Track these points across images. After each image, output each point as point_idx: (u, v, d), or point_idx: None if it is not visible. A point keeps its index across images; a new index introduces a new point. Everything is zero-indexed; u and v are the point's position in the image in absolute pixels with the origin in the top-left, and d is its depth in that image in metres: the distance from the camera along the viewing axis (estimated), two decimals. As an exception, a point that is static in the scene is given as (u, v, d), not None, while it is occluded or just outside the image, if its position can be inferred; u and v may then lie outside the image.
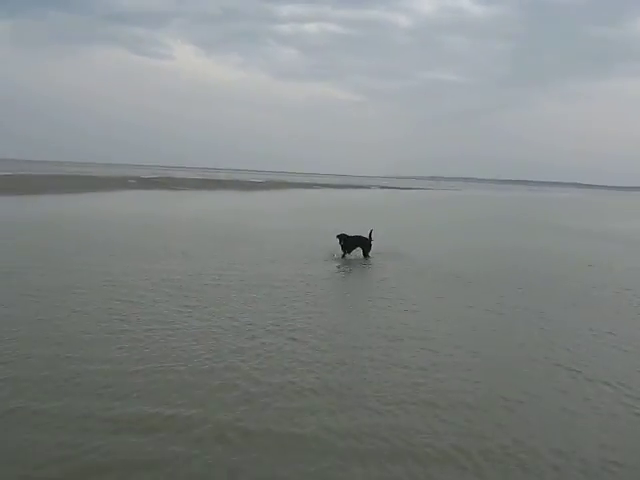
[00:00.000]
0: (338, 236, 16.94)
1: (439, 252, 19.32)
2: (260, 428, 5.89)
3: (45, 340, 8.20)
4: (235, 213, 33.21)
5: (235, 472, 5.18)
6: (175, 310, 9.94)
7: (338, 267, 15.60)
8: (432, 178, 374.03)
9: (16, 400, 6.25)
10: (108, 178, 67.88)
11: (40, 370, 7.11)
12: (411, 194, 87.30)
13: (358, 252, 17.11)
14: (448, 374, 7.62)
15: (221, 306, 10.37)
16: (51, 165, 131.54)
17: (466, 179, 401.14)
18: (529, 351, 8.86)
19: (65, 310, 9.76)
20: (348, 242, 16.95)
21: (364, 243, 17.12)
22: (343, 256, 16.86)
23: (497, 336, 9.76)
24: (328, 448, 5.60)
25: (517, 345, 9.15)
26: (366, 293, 13.02)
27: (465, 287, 13.55)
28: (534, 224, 34.51)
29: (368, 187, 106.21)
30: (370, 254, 17.08)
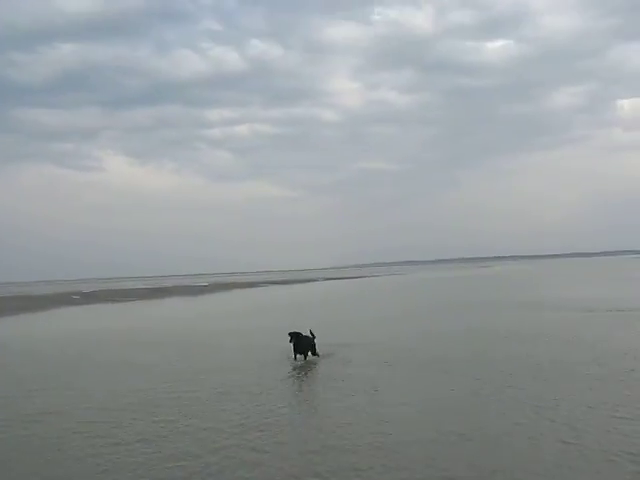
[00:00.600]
0: (290, 334, 15.17)
1: (402, 338, 19.62)
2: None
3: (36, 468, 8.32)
4: (185, 319, 33.30)
5: None
6: (155, 426, 10.11)
7: (300, 367, 14.92)
8: (376, 264, 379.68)
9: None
10: (49, 296, 66.25)
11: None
12: (358, 283, 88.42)
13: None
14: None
15: (194, 418, 10.50)
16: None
17: (409, 262, 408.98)
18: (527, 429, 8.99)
19: (48, 436, 9.81)
20: (302, 341, 15.14)
21: (311, 343, 15.47)
22: (295, 358, 15.07)
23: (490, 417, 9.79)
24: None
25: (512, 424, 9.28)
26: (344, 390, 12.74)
27: (440, 373, 13.61)
28: (492, 302, 34.13)
29: (315, 280, 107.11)
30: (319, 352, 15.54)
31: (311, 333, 15.60)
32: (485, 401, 10.82)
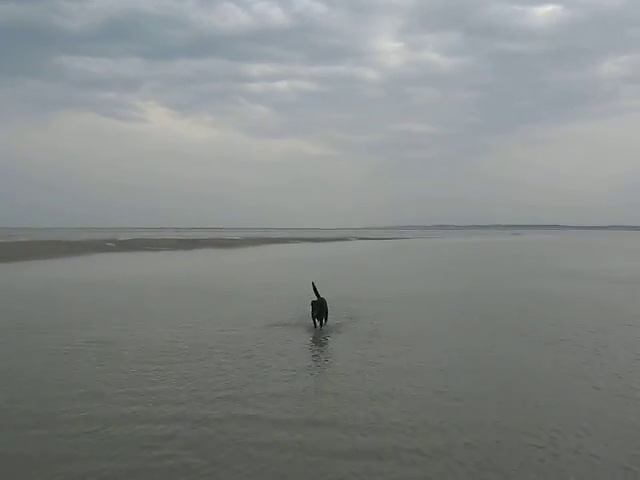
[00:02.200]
0: (313, 303, 13.55)
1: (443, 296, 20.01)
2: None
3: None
4: (214, 270, 33.50)
5: None
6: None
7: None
8: (409, 227, 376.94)
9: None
10: (85, 242, 67.36)
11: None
12: (392, 244, 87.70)
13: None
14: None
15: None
16: (25, 231, 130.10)
17: (442, 226, 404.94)
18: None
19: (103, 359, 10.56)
20: (323, 309, 13.64)
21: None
22: (315, 327, 13.53)
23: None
24: None
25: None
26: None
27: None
28: (529, 269, 34.14)
29: (347, 239, 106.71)
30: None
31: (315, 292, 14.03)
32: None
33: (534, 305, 18.23)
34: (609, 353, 11.16)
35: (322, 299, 13.82)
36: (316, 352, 11.64)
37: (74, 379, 9.40)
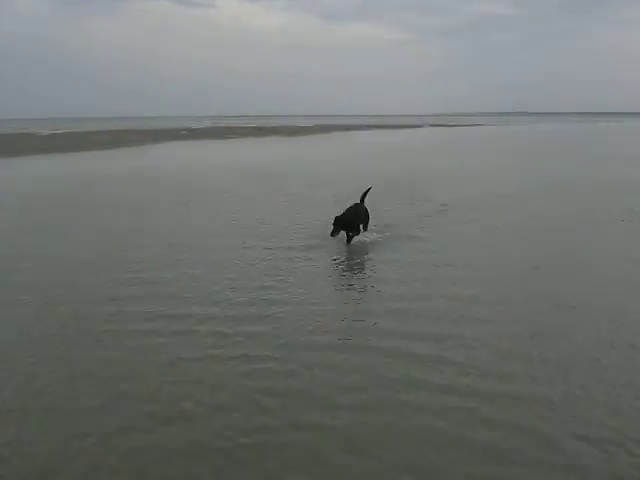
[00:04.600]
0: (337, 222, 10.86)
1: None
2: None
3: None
4: (285, 159, 32.94)
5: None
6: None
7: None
8: (484, 114, 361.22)
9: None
10: (161, 130, 68.07)
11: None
12: (471, 131, 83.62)
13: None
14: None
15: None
16: (102, 121, 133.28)
17: (522, 113, 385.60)
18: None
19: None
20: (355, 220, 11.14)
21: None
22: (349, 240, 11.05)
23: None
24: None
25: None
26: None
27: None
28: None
29: (420, 126, 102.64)
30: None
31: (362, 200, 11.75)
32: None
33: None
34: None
35: (355, 208, 11.30)
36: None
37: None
